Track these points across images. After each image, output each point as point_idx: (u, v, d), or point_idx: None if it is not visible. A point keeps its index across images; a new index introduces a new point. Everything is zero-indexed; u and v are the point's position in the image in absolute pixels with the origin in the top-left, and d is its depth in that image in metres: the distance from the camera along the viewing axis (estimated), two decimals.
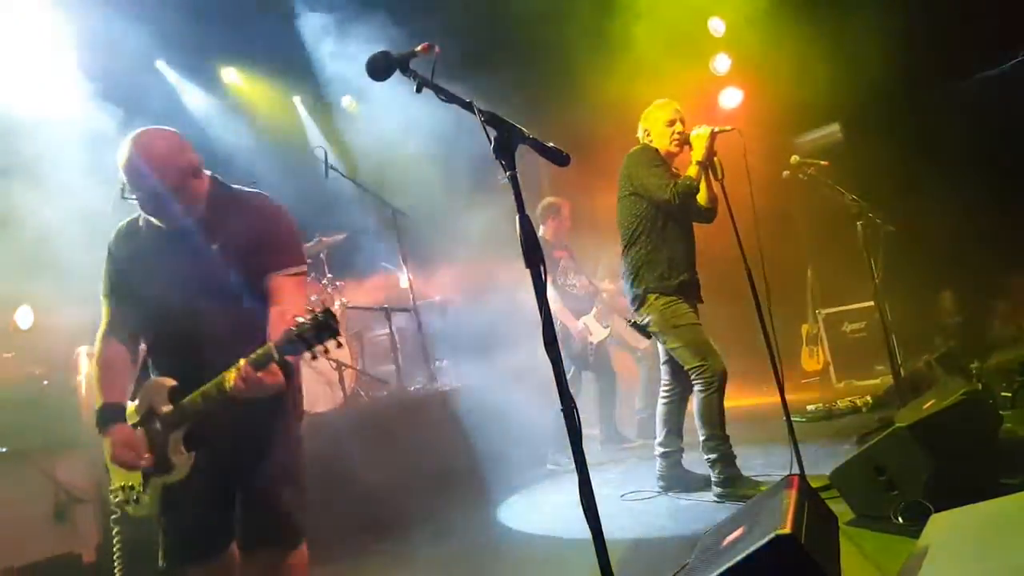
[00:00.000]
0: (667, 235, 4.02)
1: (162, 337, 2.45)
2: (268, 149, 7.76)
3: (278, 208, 2.49)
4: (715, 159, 3.85)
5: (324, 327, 2.05)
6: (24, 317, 4.88)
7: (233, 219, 2.40)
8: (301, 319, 2.06)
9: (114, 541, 2.65)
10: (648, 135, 4.13)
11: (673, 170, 4.07)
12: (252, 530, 2.37)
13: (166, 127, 2.41)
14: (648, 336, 4.20)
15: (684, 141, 4.01)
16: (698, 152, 3.86)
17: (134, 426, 2.41)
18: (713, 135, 3.84)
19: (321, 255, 6.24)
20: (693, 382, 3.90)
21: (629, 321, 4.25)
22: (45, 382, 4.70)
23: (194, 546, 2.42)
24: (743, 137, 3.72)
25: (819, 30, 6.51)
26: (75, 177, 4.48)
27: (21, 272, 4.39)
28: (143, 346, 2.51)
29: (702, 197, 3.99)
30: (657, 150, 4.07)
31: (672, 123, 4.08)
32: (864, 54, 6.13)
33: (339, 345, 2.09)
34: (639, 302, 4.04)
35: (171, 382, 2.36)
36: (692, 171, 3.88)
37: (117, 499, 2.48)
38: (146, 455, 2.35)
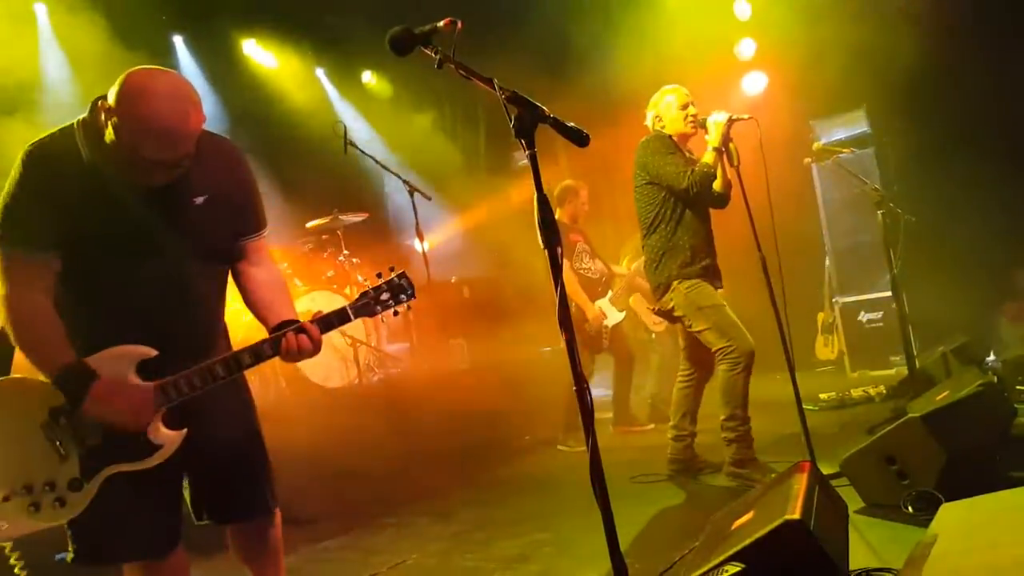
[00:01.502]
0: (686, 222, 4.00)
1: (119, 301, 2.01)
2: (287, 121, 7.78)
3: (246, 160, 2.24)
4: (731, 145, 3.82)
5: (402, 289, 2.13)
6: None
7: (217, 169, 2.11)
8: (381, 281, 2.11)
9: (16, 568, 2.16)
10: (660, 120, 4.09)
11: (687, 155, 4.05)
12: (241, 501, 2.22)
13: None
14: (673, 322, 4.17)
15: (698, 123, 3.98)
16: (714, 138, 3.83)
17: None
18: (730, 122, 3.81)
19: (338, 231, 6.26)
20: (719, 362, 3.89)
21: (653, 308, 4.24)
22: None
23: (148, 538, 2.08)
24: (760, 127, 3.69)
25: (846, 15, 6.41)
26: None
27: None
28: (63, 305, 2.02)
29: (716, 183, 3.97)
30: (669, 136, 4.05)
31: (686, 106, 4.05)
32: (892, 40, 6.04)
33: (409, 308, 2.17)
34: (663, 289, 4.03)
35: (145, 351, 1.99)
36: (708, 157, 3.86)
37: (16, 507, 1.92)
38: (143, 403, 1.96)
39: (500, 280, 7.20)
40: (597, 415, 1.86)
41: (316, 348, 2.08)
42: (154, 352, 2.00)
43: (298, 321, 2.12)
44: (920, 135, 6.36)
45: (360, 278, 6.11)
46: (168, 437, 2.02)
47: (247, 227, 2.23)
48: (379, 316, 2.15)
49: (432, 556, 3.49)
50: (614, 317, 5.82)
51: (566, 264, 1.65)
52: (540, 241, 1.88)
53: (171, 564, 2.16)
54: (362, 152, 6.08)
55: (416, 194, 6.13)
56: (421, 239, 6.32)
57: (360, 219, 6.33)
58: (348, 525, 4.18)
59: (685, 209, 4.00)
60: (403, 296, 2.16)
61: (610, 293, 5.88)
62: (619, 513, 1.82)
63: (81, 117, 2.00)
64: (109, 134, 1.90)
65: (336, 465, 4.04)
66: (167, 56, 7.04)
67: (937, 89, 6.23)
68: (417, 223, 6.20)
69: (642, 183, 4.07)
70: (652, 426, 5.81)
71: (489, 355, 6.54)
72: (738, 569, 1.89)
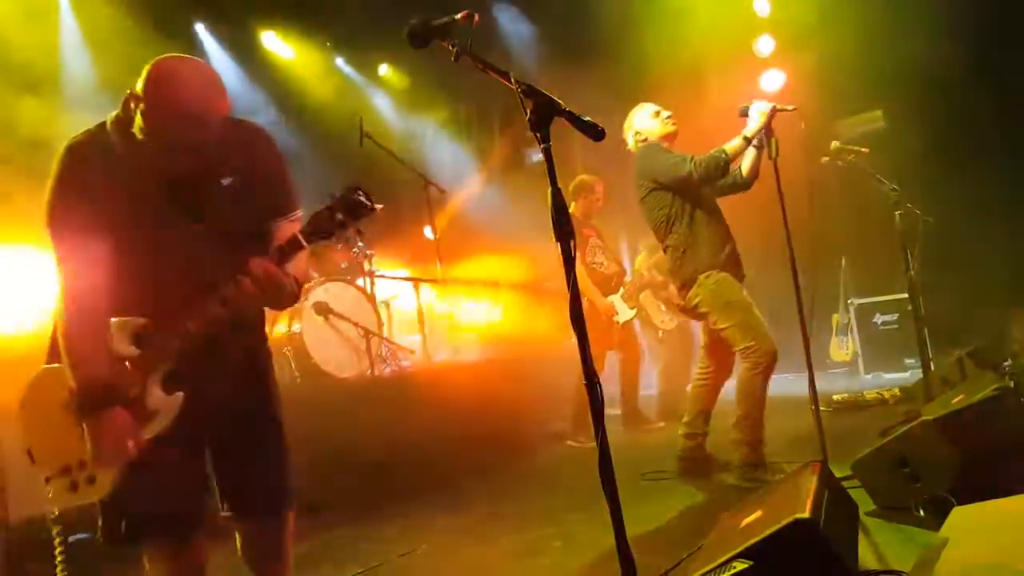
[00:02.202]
0: (698, 217, 3.98)
1: (150, 283, 2.05)
2: (303, 113, 7.81)
3: (275, 142, 2.24)
4: (773, 138, 3.76)
5: (358, 204, 1.89)
6: None
7: (244, 151, 2.13)
8: (331, 198, 1.90)
9: (57, 551, 2.19)
10: (640, 135, 4.13)
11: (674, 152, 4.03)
12: (257, 490, 2.21)
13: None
14: (699, 319, 4.14)
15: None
16: (752, 127, 3.77)
17: None
18: (773, 111, 3.76)
19: (299, 211, 6.27)
20: (741, 361, 3.86)
21: (679, 306, 4.21)
22: None
23: (171, 513, 2.09)
24: (804, 119, 3.66)
25: (866, 14, 6.36)
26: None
27: None
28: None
29: (746, 167, 3.93)
30: (658, 144, 4.05)
31: (658, 112, 4.11)
32: (912, 40, 5.99)
33: (359, 233, 1.95)
34: (688, 284, 3.99)
35: (137, 320, 2.00)
36: (731, 145, 3.80)
37: (58, 487, 2.03)
38: (136, 439, 1.97)
39: (512, 275, 7.21)
40: (606, 412, 1.85)
41: (271, 282, 1.96)
42: (141, 320, 2.00)
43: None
44: (939, 135, 6.31)
45: (374, 269, 6.13)
46: (163, 402, 2.01)
47: (278, 208, 2.20)
48: (339, 237, 1.97)
49: (441, 547, 3.50)
50: (625, 314, 5.81)
51: (577, 259, 1.63)
52: (553, 234, 1.88)
53: (191, 548, 2.17)
54: (378, 144, 6.10)
55: (430, 187, 6.15)
56: (435, 232, 6.34)
57: (377, 208, 6.36)
58: (359, 514, 4.20)
59: (694, 206, 3.98)
60: (361, 211, 1.91)
61: (622, 290, 5.87)
62: (628, 509, 1.82)
63: (115, 113, 2.05)
64: (138, 121, 1.94)
65: (347, 455, 4.07)
66: (189, 44, 7.06)
67: (956, 89, 6.17)
68: (431, 216, 6.21)
69: (646, 192, 4.06)
70: (661, 424, 5.80)
71: (499, 348, 6.55)
72: (746, 566, 1.89)
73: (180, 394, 2.03)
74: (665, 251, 4.12)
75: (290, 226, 2.15)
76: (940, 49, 5.97)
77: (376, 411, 4.67)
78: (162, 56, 1.97)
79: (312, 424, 3.99)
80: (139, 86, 1.93)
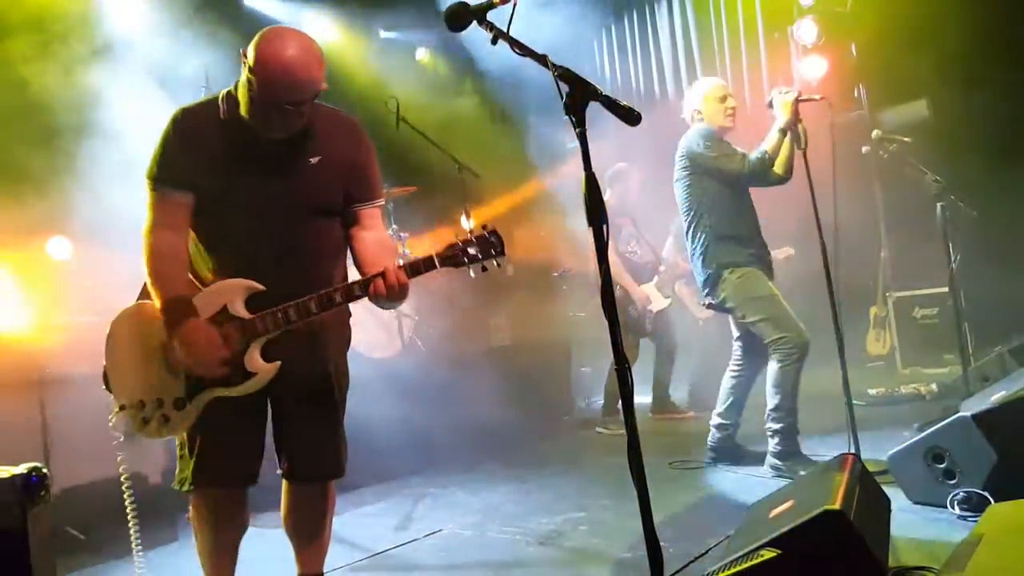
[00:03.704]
0: (731, 209, 3.94)
1: (235, 242, 2.24)
2: (339, 95, 7.83)
3: (366, 134, 2.43)
4: (800, 126, 3.73)
5: (491, 245, 2.15)
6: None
7: (334, 136, 2.31)
8: (470, 235, 2.16)
9: (126, 493, 2.38)
10: (699, 114, 4.04)
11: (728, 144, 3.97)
12: (317, 460, 2.37)
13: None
14: (727, 313, 4.10)
15: (733, 115, 3.93)
16: (782, 118, 3.74)
17: None
18: (797, 101, 3.71)
19: (388, 205, 6.32)
20: (772, 354, 3.83)
21: (704, 303, 4.18)
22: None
23: (228, 466, 2.27)
24: (833, 109, 3.60)
25: (910, 1, 6.20)
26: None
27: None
28: (196, 245, 2.29)
29: (780, 164, 3.86)
30: (710, 128, 3.98)
31: (724, 99, 4.00)
32: (958, 28, 5.83)
33: (498, 265, 2.20)
34: (713, 281, 3.96)
35: (252, 285, 2.18)
36: (770, 142, 3.77)
37: (130, 417, 2.19)
38: (227, 355, 2.14)
39: (545, 259, 7.20)
40: (636, 400, 1.85)
41: (402, 291, 2.16)
42: (260, 286, 2.17)
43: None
44: (984, 125, 6.14)
45: (407, 251, 6.16)
46: (262, 367, 2.18)
47: (361, 194, 2.37)
48: (467, 269, 2.18)
49: (467, 527, 3.54)
50: (659, 303, 5.77)
51: (611, 246, 1.65)
52: (586, 220, 1.87)
53: (242, 506, 2.36)
54: (413, 128, 6.11)
55: (465, 172, 6.14)
56: (468, 217, 6.34)
57: (409, 193, 6.39)
58: (387, 493, 4.27)
59: (730, 197, 3.93)
60: (492, 252, 2.16)
61: (656, 279, 5.83)
62: (655, 497, 1.82)
63: (227, 89, 2.26)
64: (245, 75, 2.12)
65: (378, 434, 4.11)
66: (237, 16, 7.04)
67: (1003, 78, 5.99)
68: (465, 201, 6.22)
69: (685, 174, 4.01)
70: (691, 413, 5.77)
71: (531, 334, 6.57)
72: (774, 555, 1.88)
73: (278, 363, 2.19)
74: (688, 239, 4.09)
75: (370, 212, 2.38)
76: (987, 37, 5.79)
77: (406, 392, 4.71)
78: (271, 26, 2.17)
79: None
80: (251, 50, 2.10)
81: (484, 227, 2.19)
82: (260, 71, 2.07)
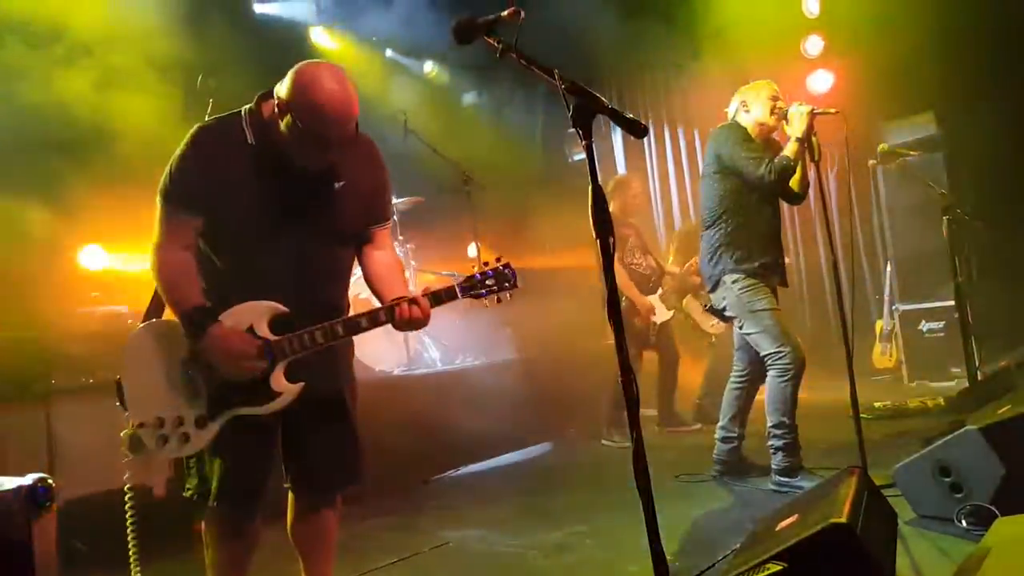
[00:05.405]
0: (752, 214, 3.91)
1: (250, 265, 2.23)
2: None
3: (381, 153, 2.47)
4: (814, 139, 3.72)
5: (506, 278, 2.31)
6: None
7: (355, 159, 2.33)
8: (487, 267, 2.31)
9: (128, 520, 2.37)
10: (745, 106, 3.98)
11: (766, 147, 3.96)
12: (331, 475, 2.40)
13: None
14: (725, 320, 4.11)
15: (783, 117, 3.88)
16: (797, 129, 3.73)
17: None
18: (812, 115, 3.72)
19: (394, 217, 6.34)
20: (768, 368, 3.82)
21: (705, 305, 4.18)
22: (130, 320, 4.94)
23: (251, 485, 2.28)
24: (848, 123, 3.60)
25: (918, 15, 6.21)
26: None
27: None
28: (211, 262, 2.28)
29: (795, 181, 3.85)
30: (745, 128, 3.97)
31: (775, 98, 3.95)
32: (964, 41, 5.84)
33: (510, 296, 2.33)
34: (715, 283, 3.96)
35: (278, 307, 2.21)
36: (790, 149, 3.76)
37: (148, 435, 2.16)
38: (251, 364, 2.13)
39: (551, 271, 7.21)
40: (641, 412, 1.85)
41: (425, 319, 2.26)
42: (285, 309, 2.20)
43: (412, 295, 2.32)
44: (991, 139, 6.14)
45: (414, 263, 6.18)
46: (287, 387, 2.19)
47: (377, 216, 2.45)
48: (483, 300, 2.32)
49: (473, 540, 3.53)
50: (662, 314, 5.77)
51: (615, 257, 1.69)
52: (592, 231, 1.88)
53: (253, 525, 2.36)
54: (420, 140, 6.15)
55: (471, 183, 6.18)
56: (474, 229, 6.37)
57: (415, 204, 6.41)
58: (393, 506, 4.26)
59: (754, 201, 3.90)
60: (506, 284, 2.32)
61: (660, 290, 5.83)
62: (661, 510, 1.80)
63: (248, 107, 2.25)
64: (287, 122, 2.13)
65: (383, 446, 4.11)
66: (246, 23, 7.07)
67: (1010, 91, 6.00)
68: (471, 212, 6.24)
69: (713, 171, 3.98)
70: (698, 426, 5.75)
71: (536, 345, 6.56)
72: (780, 568, 1.87)
73: (302, 384, 2.21)
74: (702, 239, 4.08)
75: (383, 233, 2.46)
76: (994, 50, 5.80)
77: (411, 404, 4.72)
78: (304, 63, 2.17)
79: None
80: (286, 91, 2.12)
81: (498, 259, 2.33)
82: (306, 107, 2.09)
